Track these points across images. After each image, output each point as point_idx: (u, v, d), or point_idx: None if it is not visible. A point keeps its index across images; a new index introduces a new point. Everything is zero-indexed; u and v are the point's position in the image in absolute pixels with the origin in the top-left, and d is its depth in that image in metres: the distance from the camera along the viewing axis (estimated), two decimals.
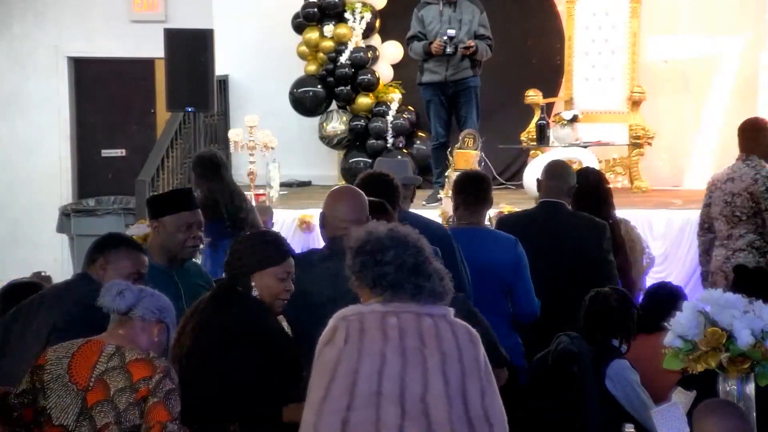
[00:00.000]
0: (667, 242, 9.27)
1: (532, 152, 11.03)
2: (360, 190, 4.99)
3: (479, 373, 3.55)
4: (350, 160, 11.91)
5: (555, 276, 6.15)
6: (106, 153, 14.12)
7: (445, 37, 10.17)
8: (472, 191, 6.17)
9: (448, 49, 10.19)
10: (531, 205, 7.35)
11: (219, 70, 11.25)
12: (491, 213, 7.63)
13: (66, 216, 11.72)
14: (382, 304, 3.57)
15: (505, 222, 6.65)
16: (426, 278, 3.59)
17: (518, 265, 6.03)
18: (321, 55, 11.94)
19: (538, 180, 6.73)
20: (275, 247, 4.49)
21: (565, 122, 10.89)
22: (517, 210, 7.03)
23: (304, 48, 12.06)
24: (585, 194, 6.71)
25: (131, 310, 4.11)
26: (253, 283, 4.42)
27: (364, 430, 3.43)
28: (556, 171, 6.68)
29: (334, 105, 12.05)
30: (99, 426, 3.95)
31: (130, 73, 14.01)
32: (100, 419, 3.95)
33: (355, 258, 3.61)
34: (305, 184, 12.22)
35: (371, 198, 5.03)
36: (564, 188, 6.54)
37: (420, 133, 11.94)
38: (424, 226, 5.53)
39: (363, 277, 3.60)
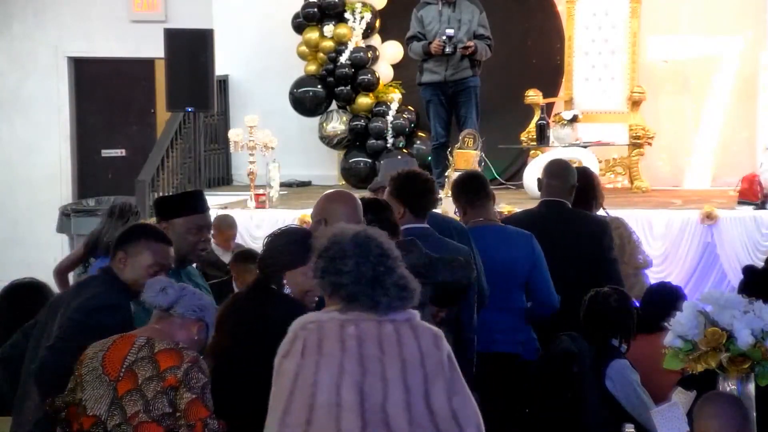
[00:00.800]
0: (667, 242, 9.27)
1: (532, 152, 11.02)
2: (352, 194, 5.04)
3: (444, 376, 3.53)
4: (350, 160, 11.91)
5: (559, 274, 6.13)
6: (106, 153, 14.11)
7: (444, 37, 10.17)
8: (474, 189, 6.18)
9: (448, 49, 10.19)
10: (531, 205, 7.34)
11: (219, 70, 11.25)
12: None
13: (66, 216, 11.71)
14: (340, 312, 3.54)
15: (508, 222, 6.65)
16: (384, 292, 3.52)
17: (535, 259, 6.04)
18: (321, 55, 11.94)
19: (539, 179, 6.72)
20: (304, 246, 4.50)
21: (565, 122, 10.89)
22: (518, 210, 7.00)
23: (304, 48, 12.06)
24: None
25: (172, 307, 4.20)
26: (284, 281, 4.52)
27: None
28: (557, 170, 6.70)
29: (334, 105, 12.05)
30: (129, 415, 4.04)
31: (130, 73, 14.00)
32: (130, 408, 4.04)
33: (318, 262, 3.58)
34: (305, 184, 12.22)
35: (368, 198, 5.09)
36: (566, 187, 6.55)
37: (420, 133, 11.94)
38: (442, 221, 5.71)
39: (323, 284, 3.57)
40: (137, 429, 4.03)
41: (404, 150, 11.74)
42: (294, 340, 3.53)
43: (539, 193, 6.77)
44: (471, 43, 10.22)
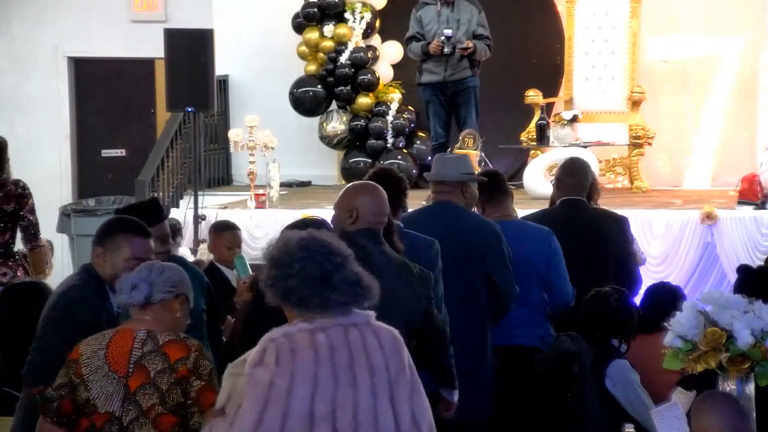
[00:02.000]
0: (667, 242, 9.27)
1: (532, 152, 11.02)
2: (379, 186, 5.05)
3: (406, 377, 3.55)
4: (350, 160, 11.91)
5: (582, 272, 6.15)
6: (106, 153, 14.11)
7: (443, 38, 10.17)
8: (492, 187, 6.21)
9: (446, 49, 10.19)
10: (532, 204, 7.37)
11: (219, 70, 11.23)
12: None
13: (66, 216, 11.70)
14: (307, 323, 3.52)
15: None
16: (333, 289, 3.50)
17: (551, 254, 6.08)
18: (321, 55, 11.94)
19: (557, 178, 6.73)
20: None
21: (565, 122, 10.89)
22: (536, 210, 7.01)
23: (304, 48, 12.06)
24: None
25: (149, 299, 4.23)
26: None
27: None
28: (575, 168, 6.73)
29: (334, 105, 12.05)
30: (145, 408, 4.13)
31: (130, 73, 14.00)
32: (146, 402, 4.13)
33: (268, 272, 3.56)
34: (305, 184, 12.22)
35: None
36: (585, 185, 6.60)
37: (420, 133, 11.94)
38: (478, 221, 5.82)
39: (274, 292, 3.55)
40: (155, 421, 4.13)
41: (404, 150, 11.74)
42: (264, 350, 3.50)
43: (557, 191, 6.76)
44: (470, 44, 10.21)
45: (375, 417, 3.49)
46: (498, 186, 6.28)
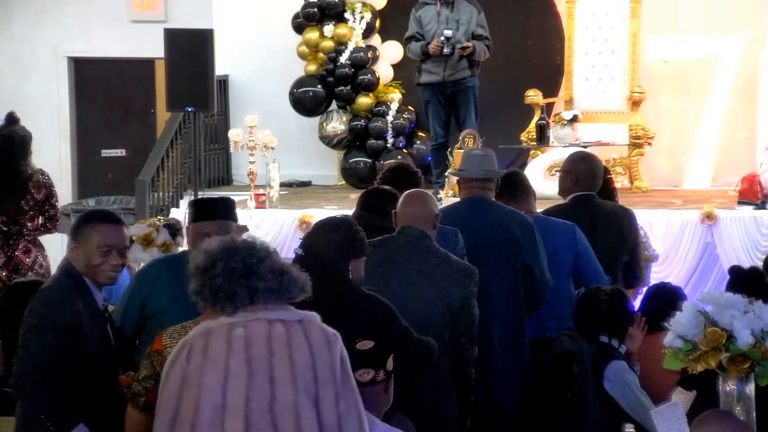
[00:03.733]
0: (667, 242, 9.26)
1: (532, 152, 11.02)
2: (429, 194, 5.51)
3: (335, 379, 3.52)
4: (350, 160, 11.91)
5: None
6: (106, 153, 14.11)
7: (443, 38, 10.17)
8: (515, 185, 6.36)
9: (446, 50, 10.19)
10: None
11: (219, 70, 11.24)
12: None
13: (66, 216, 11.67)
14: (228, 317, 3.54)
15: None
16: (259, 278, 3.54)
17: (579, 247, 6.20)
18: (321, 55, 11.94)
19: (572, 174, 6.71)
20: (364, 236, 4.89)
21: (565, 122, 10.89)
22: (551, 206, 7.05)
23: (304, 48, 12.06)
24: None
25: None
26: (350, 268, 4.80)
27: None
28: (591, 165, 6.79)
29: (334, 105, 12.05)
30: None
31: (130, 73, 14.00)
32: None
33: (194, 281, 3.59)
34: (305, 184, 12.22)
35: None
36: (597, 182, 6.69)
37: (420, 133, 11.94)
38: (511, 214, 5.96)
39: (203, 297, 3.58)
40: None
41: (404, 150, 11.74)
42: (182, 347, 3.55)
43: (551, 191, 6.82)
44: (469, 44, 10.21)
45: (295, 412, 3.46)
46: (520, 183, 6.44)
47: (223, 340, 3.50)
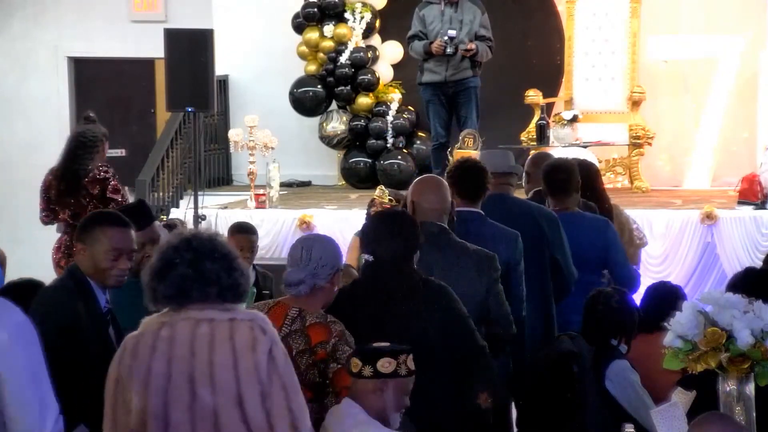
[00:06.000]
0: (667, 242, 9.27)
1: (532, 152, 10.99)
2: (443, 180, 5.52)
3: (258, 377, 3.55)
4: (350, 160, 11.91)
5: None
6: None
7: (446, 38, 10.18)
8: (561, 178, 6.50)
9: (449, 50, 10.19)
10: None
11: (219, 70, 11.24)
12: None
13: None
14: (160, 316, 3.63)
15: None
16: (159, 280, 3.62)
17: (609, 243, 6.43)
18: (321, 55, 11.94)
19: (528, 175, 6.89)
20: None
21: (565, 122, 10.89)
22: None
23: (304, 48, 12.06)
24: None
25: (313, 288, 4.52)
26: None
27: None
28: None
29: (334, 105, 12.05)
30: None
31: (130, 73, 14.00)
32: None
33: (146, 293, 3.70)
34: (305, 184, 12.22)
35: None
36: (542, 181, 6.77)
37: (420, 133, 11.94)
38: (536, 209, 6.18)
39: (154, 302, 3.68)
40: None
41: (404, 150, 11.73)
42: (123, 346, 3.66)
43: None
44: (472, 45, 10.22)
45: (214, 412, 3.52)
46: (571, 177, 6.57)
47: (150, 341, 3.59)
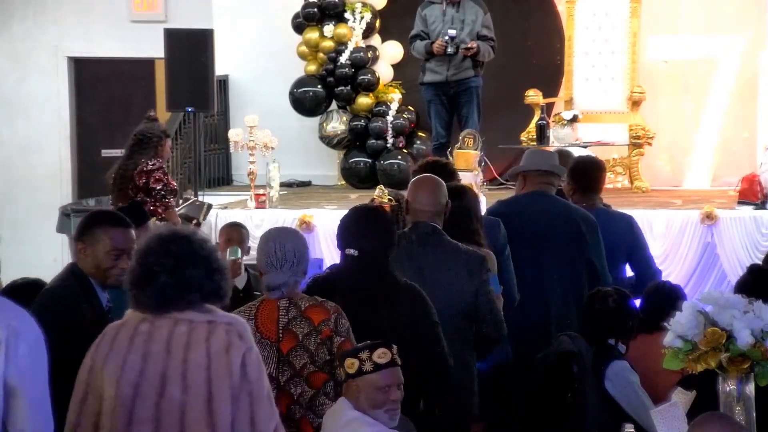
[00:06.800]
0: (667, 242, 9.26)
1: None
2: (439, 180, 5.52)
3: (230, 381, 3.62)
4: (350, 160, 11.91)
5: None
6: (106, 153, 14.07)
7: (447, 37, 10.18)
8: (588, 176, 6.69)
9: (450, 50, 10.20)
10: None
11: (219, 70, 11.24)
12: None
13: (66, 216, 11.68)
14: (141, 312, 3.71)
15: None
16: (140, 288, 3.68)
17: (634, 239, 6.66)
18: (321, 55, 11.94)
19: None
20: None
21: (565, 122, 10.89)
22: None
23: (304, 48, 12.06)
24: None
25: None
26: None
27: None
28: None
29: (334, 105, 12.05)
30: (298, 368, 4.58)
31: (130, 73, 13.99)
32: (298, 362, 4.58)
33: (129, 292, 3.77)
34: (305, 184, 12.21)
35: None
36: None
37: (420, 133, 11.93)
38: (575, 209, 6.30)
39: (136, 308, 3.74)
40: (308, 379, 4.57)
41: (404, 150, 11.73)
42: (103, 333, 3.76)
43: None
44: (473, 44, 10.22)
45: (181, 410, 3.59)
46: (596, 175, 6.80)
47: (129, 334, 3.69)
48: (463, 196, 5.75)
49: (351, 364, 4.20)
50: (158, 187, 8.31)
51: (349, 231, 5.01)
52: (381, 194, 7.64)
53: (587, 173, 6.75)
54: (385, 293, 4.88)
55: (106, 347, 3.70)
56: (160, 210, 8.44)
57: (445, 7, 10.41)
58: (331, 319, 4.58)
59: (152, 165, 8.34)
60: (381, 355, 4.19)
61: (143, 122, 8.97)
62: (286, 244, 4.64)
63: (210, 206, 9.68)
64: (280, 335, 4.58)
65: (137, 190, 8.32)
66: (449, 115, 10.57)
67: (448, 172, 6.09)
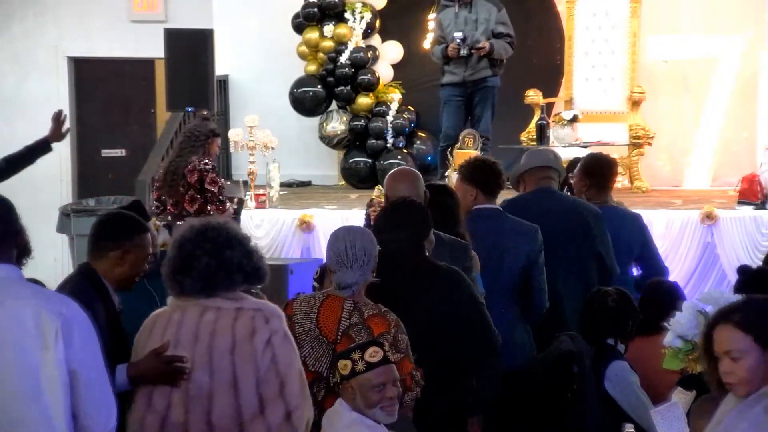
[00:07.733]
0: (667, 242, 9.25)
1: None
2: (416, 171, 5.65)
3: (255, 365, 3.81)
4: (350, 160, 11.91)
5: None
6: (106, 153, 14.11)
7: (457, 40, 10.21)
8: (601, 173, 6.73)
9: (463, 52, 10.23)
10: None
11: (219, 70, 11.25)
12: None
13: (66, 216, 11.69)
14: (175, 299, 3.95)
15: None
16: (184, 274, 3.89)
17: (645, 237, 6.74)
18: (321, 55, 11.94)
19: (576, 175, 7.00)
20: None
21: (565, 122, 10.88)
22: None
23: (304, 48, 12.06)
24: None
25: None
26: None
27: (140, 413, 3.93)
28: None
29: (334, 105, 12.05)
30: None
31: (130, 73, 14.00)
32: None
33: (165, 275, 4.02)
34: (305, 184, 12.22)
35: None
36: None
37: (420, 133, 11.94)
38: (582, 204, 6.37)
39: (179, 295, 3.97)
40: None
41: (404, 150, 11.73)
42: (144, 325, 4.03)
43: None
44: (485, 44, 10.23)
45: (209, 393, 3.81)
46: (609, 174, 6.85)
47: (164, 323, 3.95)
48: (449, 194, 5.80)
49: (344, 366, 4.18)
50: (214, 190, 8.33)
51: (377, 228, 5.05)
52: (380, 194, 7.66)
53: (601, 170, 6.80)
54: (426, 276, 4.90)
55: (146, 334, 3.96)
56: (212, 211, 8.49)
57: (458, 9, 10.41)
58: (390, 332, 4.50)
59: (205, 164, 8.33)
60: (372, 354, 4.17)
61: (195, 120, 9.14)
62: (356, 243, 4.61)
63: (246, 182, 9.94)
64: (338, 338, 4.51)
65: (188, 187, 8.31)
66: (465, 116, 10.58)
67: (496, 171, 6.06)
